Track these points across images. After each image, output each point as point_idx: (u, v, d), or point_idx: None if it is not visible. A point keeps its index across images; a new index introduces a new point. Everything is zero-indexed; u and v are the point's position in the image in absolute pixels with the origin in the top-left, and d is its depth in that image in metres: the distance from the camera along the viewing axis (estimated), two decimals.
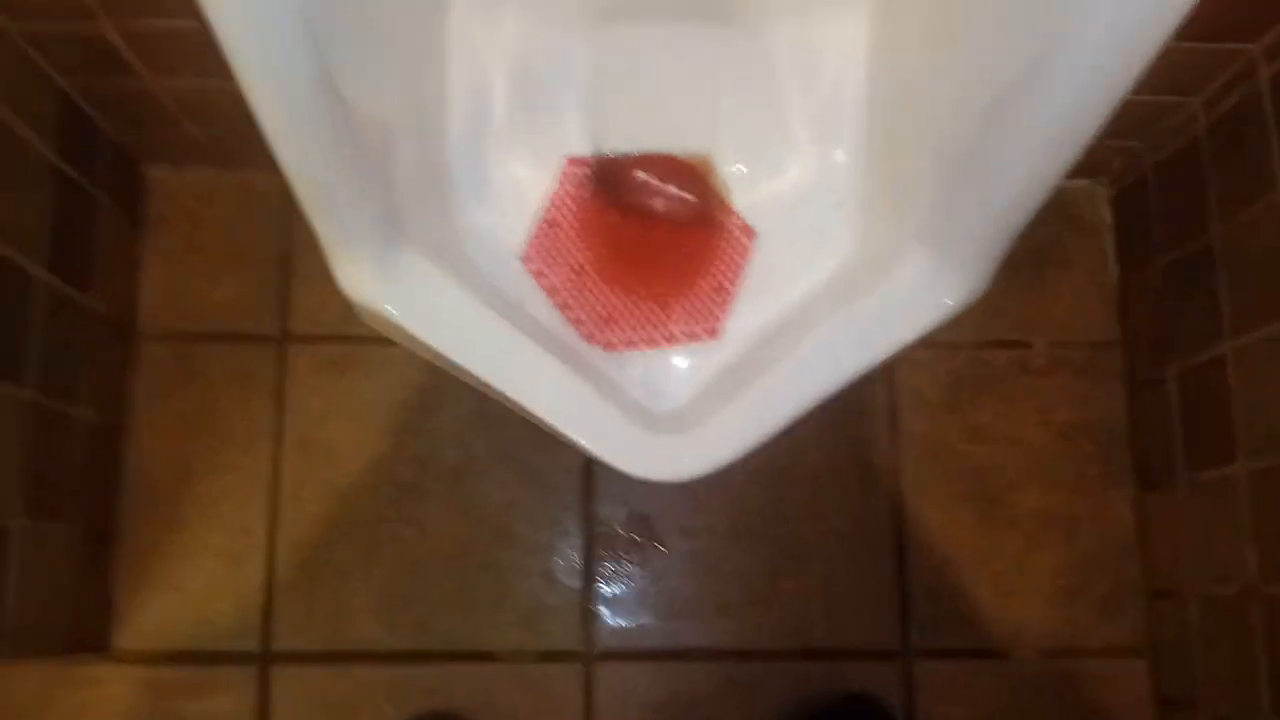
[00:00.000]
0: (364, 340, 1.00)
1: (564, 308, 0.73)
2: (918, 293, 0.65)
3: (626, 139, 0.77)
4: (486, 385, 0.64)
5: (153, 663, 0.95)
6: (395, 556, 0.97)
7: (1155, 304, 0.98)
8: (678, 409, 0.72)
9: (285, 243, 1.02)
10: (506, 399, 0.64)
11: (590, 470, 0.99)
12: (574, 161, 0.77)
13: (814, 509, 1.00)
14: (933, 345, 1.02)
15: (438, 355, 0.65)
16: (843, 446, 1.01)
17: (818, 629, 0.98)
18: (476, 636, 0.96)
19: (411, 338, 0.64)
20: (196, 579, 0.97)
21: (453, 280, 0.65)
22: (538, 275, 0.74)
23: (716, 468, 0.64)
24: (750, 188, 0.77)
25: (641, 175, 0.77)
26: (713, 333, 0.74)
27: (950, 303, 0.64)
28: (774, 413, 0.65)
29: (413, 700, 0.95)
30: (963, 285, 0.64)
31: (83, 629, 0.93)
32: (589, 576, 0.98)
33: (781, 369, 0.66)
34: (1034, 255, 1.04)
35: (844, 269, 0.73)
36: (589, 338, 0.73)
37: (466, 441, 0.99)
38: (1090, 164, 1.04)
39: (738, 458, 0.65)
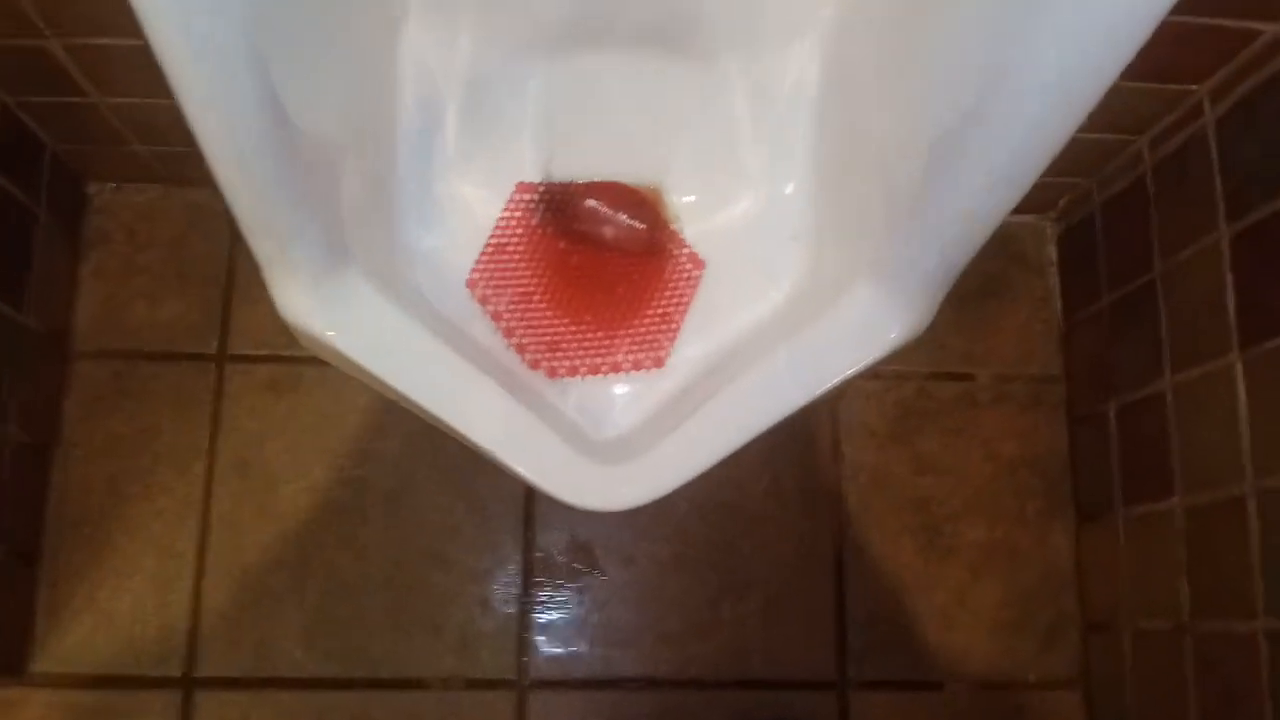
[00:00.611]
0: (305, 361, 0.98)
1: (508, 333, 0.72)
2: (862, 326, 0.64)
3: (578, 166, 0.76)
4: (428, 413, 0.63)
5: (72, 686, 0.92)
6: (328, 581, 0.95)
7: (1098, 340, 0.99)
8: (621, 437, 0.71)
9: (229, 262, 1.00)
10: (447, 427, 0.63)
11: (531, 496, 0.98)
12: (524, 187, 0.76)
13: (756, 537, 0.99)
14: (879, 376, 1.03)
15: (378, 381, 0.63)
16: (787, 474, 1.00)
17: (755, 658, 0.97)
18: (408, 663, 0.94)
19: (351, 363, 0.62)
20: (122, 602, 0.94)
21: (394, 305, 0.64)
22: (483, 300, 0.72)
23: (655, 498, 0.63)
24: (701, 218, 0.76)
25: (592, 203, 0.76)
26: (659, 362, 0.73)
27: (894, 337, 0.64)
28: (714, 444, 0.64)
29: None
30: (907, 320, 0.64)
31: (1, 651, 0.90)
32: (526, 604, 0.96)
33: (723, 400, 0.65)
34: (980, 289, 1.05)
35: (792, 300, 0.73)
36: (533, 364, 0.72)
37: (406, 465, 0.98)
38: (1037, 200, 1.05)
39: (677, 488, 0.64)
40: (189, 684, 0.93)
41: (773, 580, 0.98)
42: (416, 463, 0.98)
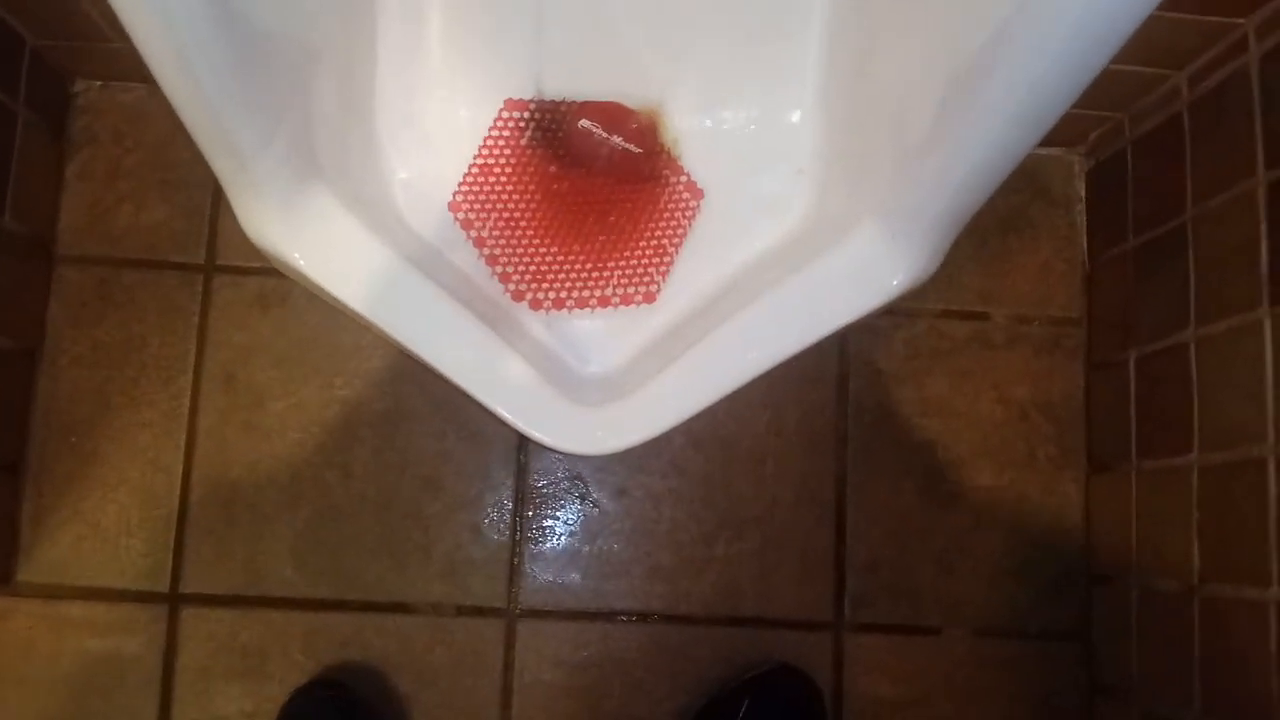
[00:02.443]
0: None
1: (492, 261, 0.69)
2: (864, 269, 0.61)
3: (572, 83, 0.72)
4: (401, 345, 0.60)
5: (58, 597, 0.91)
6: (317, 502, 0.94)
7: (1122, 284, 0.94)
8: (607, 375, 0.68)
9: None
10: (422, 361, 0.60)
11: None
12: (513, 104, 0.71)
13: (755, 475, 0.96)
14: (891, 312, 0.98)
15: (348, 309, 0.60)
16: (789, 411, 0.97)
17: (749, 597, 0.95)
18: (397, 587, 0.93)
19: (320, 289, 0.59)
20: (108, 514, 0.93)
21: (367, 230, 0.60)
22: (465, 224, 0.69)
23: (637, 444, 0.61)
24: (701, 144, 0.72)
25: (585, 123, 0.72)
26: (650, 297, 0.70)
27: (897, 283, 0.60)
28: (702, 390, 0.61)
29: (327, 650, 0.92)
30: (912, 265, 0.60)
31: None
32: (517, 532, 0.95)
33: (713, 343, 0.62)
34: (1001, 224, 1.00)
35: (792, 237, 0.69)
36: (516, 295, 0.68)
37: (399, 387, 0.95)
38: (1066, 132, 0.99)
39: (662, 433, 0.61)
40: (176, 599, 0.92)
41: (770, 519, 0.96)
42: (408, 385, 0.95)
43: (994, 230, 1.00)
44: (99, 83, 0.97)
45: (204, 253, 0.96)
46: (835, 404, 0.98)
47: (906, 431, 0.98)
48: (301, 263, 0.59)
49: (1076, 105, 0.93)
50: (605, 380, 0.67)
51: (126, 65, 0.94)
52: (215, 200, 0.96)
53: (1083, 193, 1.01)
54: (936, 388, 0.98)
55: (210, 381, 0.94)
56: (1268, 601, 0.73)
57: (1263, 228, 0.75)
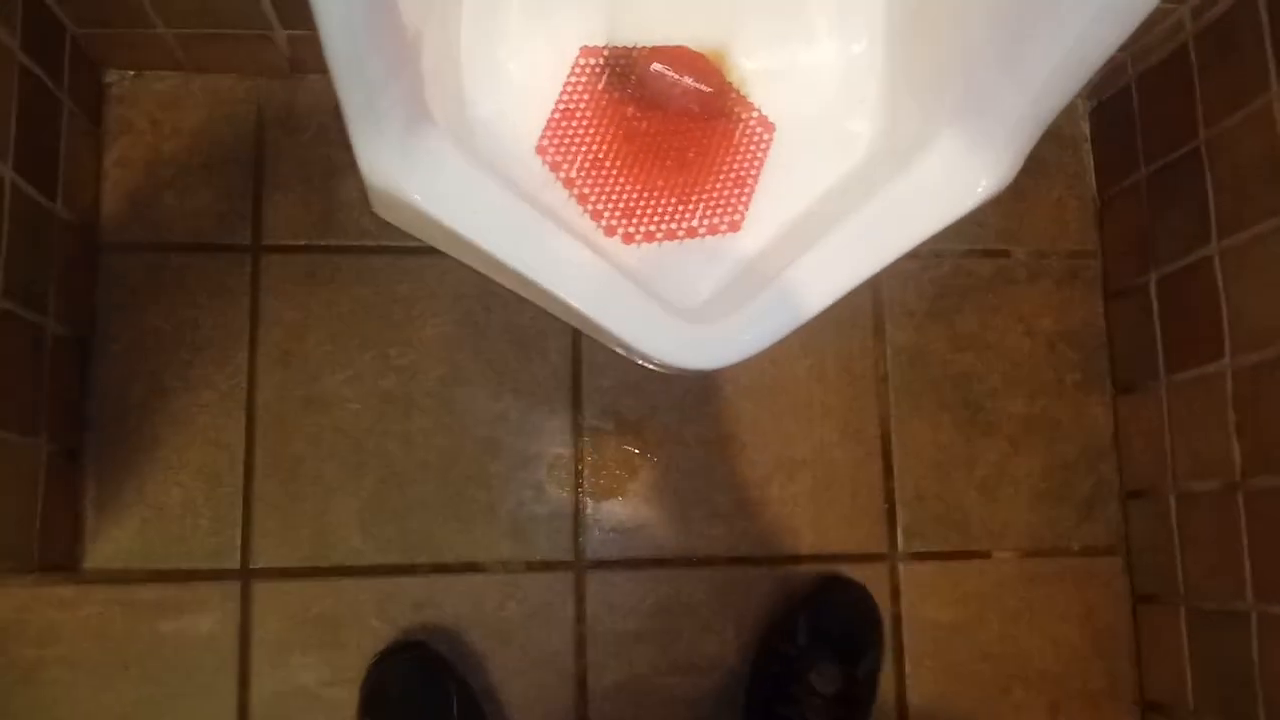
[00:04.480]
0: (341, 250, 0.96)
1: (582, 199, 0.71)
2: (950, 177, 0.64)
3: (642, 30, 0.75)
4: (517, 274, 0.62)
5: (127, 582, 0.91)
6: (379, 470, 0.95)
7: (1136, 213, 1.00)
8: (700, 301, 0.71)
9: (257, 150, 0.98)
10: (536, 290, 0.63)
11: (579, 380, 0.98)
12: (588, 51, 0.74)
13: (803, 419, 1.00)
14: (916, 256, 1.02)
15: (463, 244, 0.62)
16: (829, 357, 1.01)
17: (806, 535, 0.98)
18: (464, 548, 0.95)
19: (436, 225, 0.61)
20: (172, 496, 0.93)
21: (477, 167, 0.63)
22: (554, 166, 0.71)
23: (751, 354, 0.63)
24: (768, 81, 0.75)
25: (658, 67, 0.75)
26: (735, 226, 0.73)
27: (982, 189, 0.64)
28: (805, 303, 0.64)
29: (400, 614, 0.93)
30: (995, 169, 0.64)
31: (52, 549, 0.89)
32: (577, 487, 0.97)
33: (813, 258, 0.65)
34: None
35: (868, 161, 0.73)
36: (609, 230, 0.71)
37: (452, 354, 0.97)
38: None
39: (772, 344, 0.64)
40: (247, 575, 0.93)
41: (820, 460, 0.99)
42: (460, 350, 0.97)
43: None
44: (132, 72, 0.98)
45: (250, 233, 0.97)
46: (873, 347, 1.02)
47: (941, 367, 1.02)
48: (418, 197, 0.61)
49: None
50: (703, 307, 0.70)
51: (160, 53, 0.95)
52: (256, 182, 0.97)
53: (1088, 132, 1.06)
54: (966, 324, 1.03)
55: (266, 359, 0.95)
56: None
57: None
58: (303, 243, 0.97)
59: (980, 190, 0.64)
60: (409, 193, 0.61)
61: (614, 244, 0.71)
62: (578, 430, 0.98)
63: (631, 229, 0.71)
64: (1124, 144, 1.01)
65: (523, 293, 0.63)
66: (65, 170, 0.89)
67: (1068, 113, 1.06)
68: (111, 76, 0.98)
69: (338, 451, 0.95)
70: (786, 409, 1.00)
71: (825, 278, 0.64)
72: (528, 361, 0.97)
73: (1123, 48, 0.98)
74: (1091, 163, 1.06)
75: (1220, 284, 0.88)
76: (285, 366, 0.95)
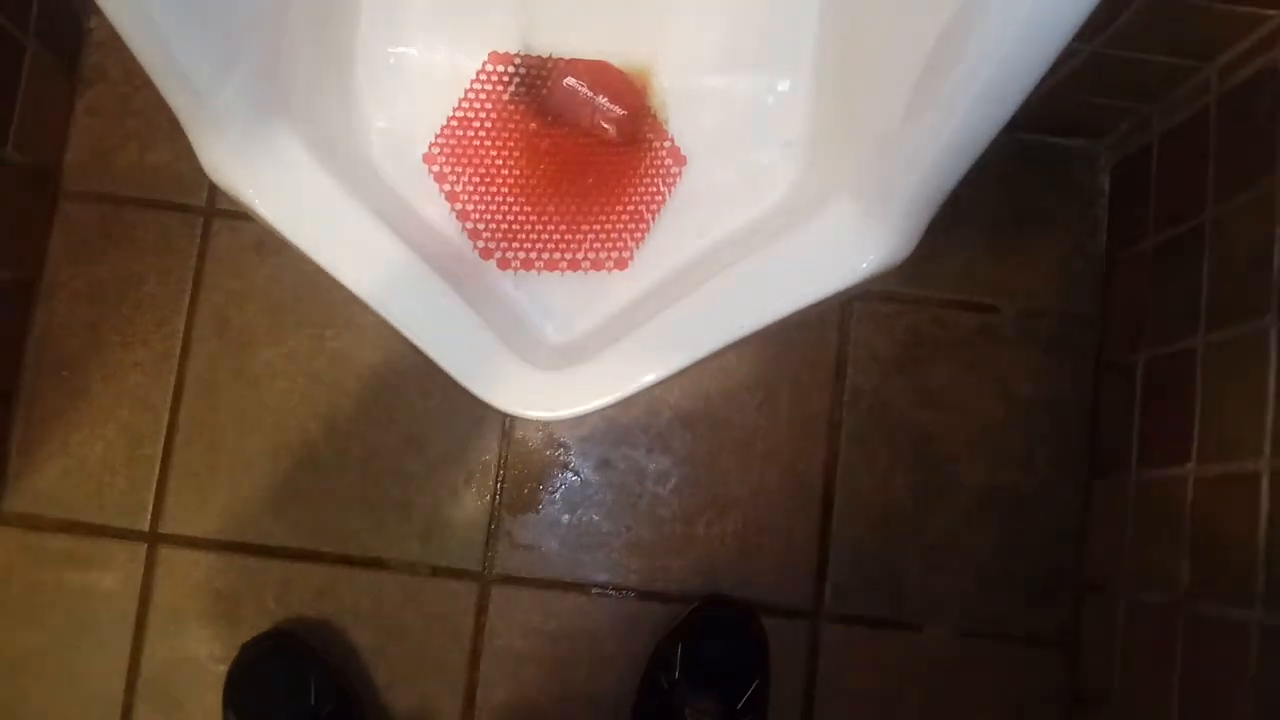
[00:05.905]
0: None
1: (463, 216, 0.67)
2: (836, 249, 0.58)
3: (559, 37, 0.70)
4: (352, 294, 0.59)
5: (39, 528, 0.92)
6: (300, 452, 0.93)
7: (1139, 283, 0.91)
8: (572, 340, 0.66)
9: None
10: (373, 312, 0.59)
11: None
12: (497, 57, 0.70)
13: (743, 456, 0.94)
14: (894, 299, 0.96)
15: (302, 254, 0.59)
16: (783, 394, 0.95)
17: (727, 578, 0.93)
18: (373, 543, 0.93)
19: (272, 228, 0.58)
20: (94, 450, 0.93)
21: (328, 174, 0.59)
22: (439, 178, 0.67)
23: (590, 411, 0.59)
24: (690, 107, 0.70)
25: (571, 81, 0.70)
26: (622, 264, 0.68)
27: (866, 265, 0.58)
28: (657, 361, 0.59)
29: (299, 600, 0.92)
30: (884, 246, 0.58)
31: None
32: (497, 497, 0.94)
33: (675, 315, 0.60)
34: (1019, 214, 0.97)
35: (773, 211, 0.67)
36: (484, 253, 0.67)
37: (389, 343, 0.95)
38: (1093, 124, 0.95)
39: (616, 403, 0.60)
40: (155, 538, 0.93)
41: (755, 502, 0.94)
42: (399, 342, 0.93)
43: (1010, 220, 0.96)
44: None
45: (205, 195, 0.96)
46: (831, 388, 0.95)
47: (902, 421, 0.95)
48: (256, 200, 0.58)
49: (1104, 96, 0.90)
50: (569, 345, 0.66)
51: None
52: None
53: (1106, 186, 0.97)
54: (937, 379, 0.95)
55: (203, 325, 0.94)
56: (1248, 623, 0.70)
57: (1277, 230, 0.72)
58: None
59: (865, 267, 0.57)
60: (246, 193, 0.58)
61: (489, 266, 0.67)
62: (506, 439, 0.94)
63: (510, 254, 0.67)
64: (1139, 206, 0.92)
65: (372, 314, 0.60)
66: (22, 115, 0.89)
67: (1087, 162, 0.97)
68: (94, 22, 0.98)
69: (261, 427, 0.94)
70: (727, 444, 0.94)
71: (680, 340, 0.59)
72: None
73: (1149, 99, 0.89)
74: (1105, 221, 0.97)
75: (1199, 380, 0.79)
76: (220, 336, 0.94)
